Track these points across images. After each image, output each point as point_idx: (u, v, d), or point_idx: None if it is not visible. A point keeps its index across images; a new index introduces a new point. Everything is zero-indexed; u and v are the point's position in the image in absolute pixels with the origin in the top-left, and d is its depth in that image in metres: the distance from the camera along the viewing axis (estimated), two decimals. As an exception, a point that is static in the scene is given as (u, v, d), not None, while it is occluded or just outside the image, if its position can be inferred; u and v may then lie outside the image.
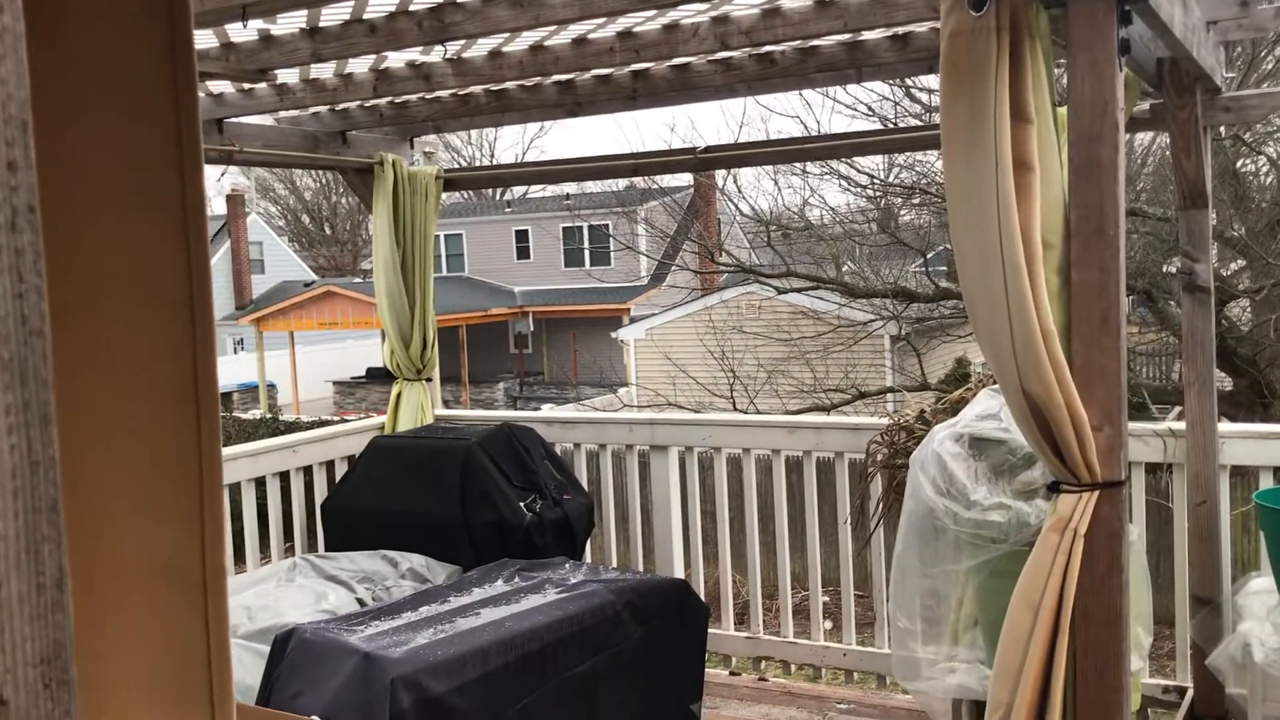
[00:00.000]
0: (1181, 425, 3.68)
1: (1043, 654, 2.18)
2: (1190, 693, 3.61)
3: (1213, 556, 3.58)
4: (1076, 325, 2.09)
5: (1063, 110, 2.26)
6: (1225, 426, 3.69)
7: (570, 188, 28.87)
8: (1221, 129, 7.18)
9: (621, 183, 23.43)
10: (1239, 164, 11.28)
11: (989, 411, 2.66)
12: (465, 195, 31.17)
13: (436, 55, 3.80)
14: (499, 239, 30.56)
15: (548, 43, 3.68)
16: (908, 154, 12.03)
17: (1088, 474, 2.14)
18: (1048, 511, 2.16)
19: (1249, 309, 12.16)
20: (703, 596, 3.76)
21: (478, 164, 35.66)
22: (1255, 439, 3.74)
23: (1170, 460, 3.70)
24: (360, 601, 3.54)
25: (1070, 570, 2.17)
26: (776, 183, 17.51)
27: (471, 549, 3.87)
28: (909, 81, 10.95)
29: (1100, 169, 2.13)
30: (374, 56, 3.72)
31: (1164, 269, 10.75)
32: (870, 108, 12.32)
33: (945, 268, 13.02)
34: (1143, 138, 11.23)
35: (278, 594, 3.56)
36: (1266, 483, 3.58)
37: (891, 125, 11.61)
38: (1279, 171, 11.89)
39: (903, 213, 15.13)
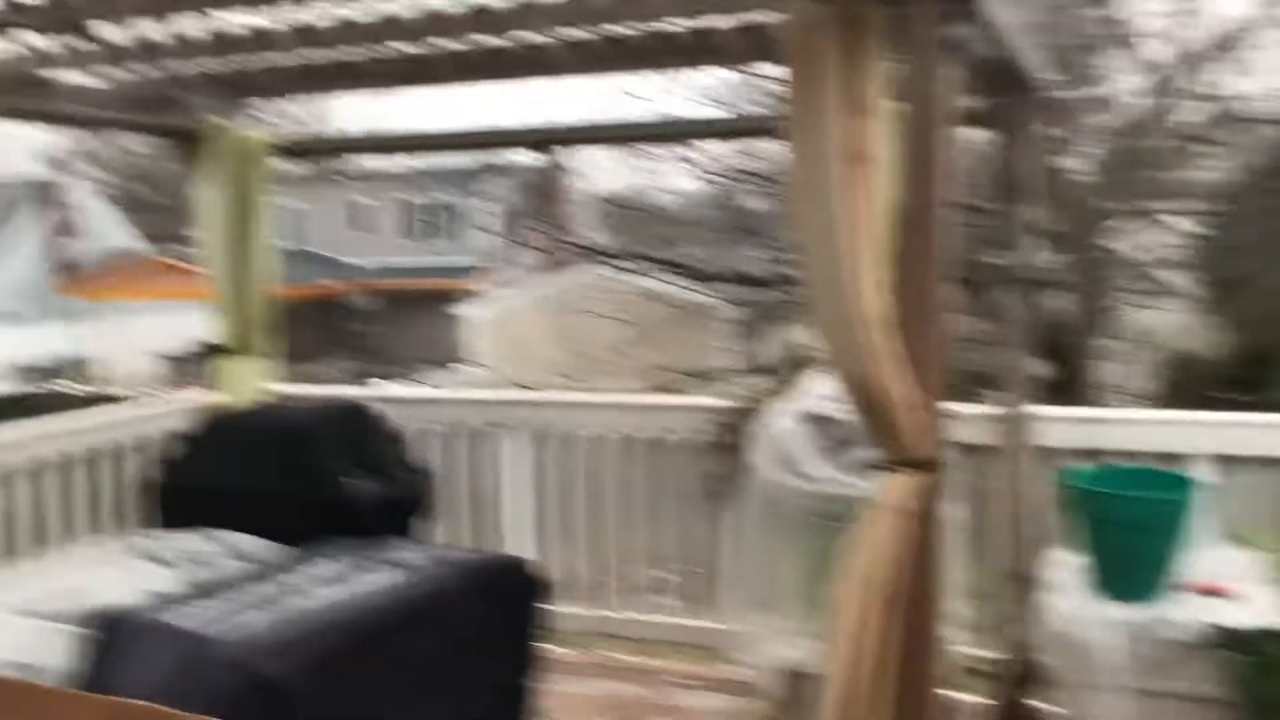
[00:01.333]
0: (1000, 409, 3.87)
1: (869, 626, 2.27)
2: (1004, 661, 3.82)
3: (1025, 533, 3.79)
4: (907, 310, 2.19)
5: (896, 105, 2.35)
6: (1037, 409, 3.90)
7: (415, 162, 28.36)
8: (1044, 128, 7.54)
9: (468, 159, 23.17)
10: (1056, 160, 11.90)
11: (826, 390, 2.76)
12: (304, 165, 30.25)
13: (277, 18, 3.68)
14: (339, 212, 29.80)
15: (397, 13, 3.60)
16: (752, 141, 12.27)
17: (914, 454, 2.24)
18: (876, 489, 2.25)
19: (1065, 298, 12.87)
20: (543, 575, 3.77)
21: (317, 133, 34.61)
22: (1067, 422, 3.99)
23: (989, 442, 3.90)
24: (186, 582, 3.42)
25: (894, 546, 2.27)
26: (626, 165, 17.62)
27: (307, 528, 3.78)
28: (756, 70, 11.16)
29: (930, 163, 2.22)
30: (208, 16, 3.57)
31: (986, 260, 11.25)
32: (715, 95, 12.51)
33: (785, 254, 13.36)
34: (970, 134, 11.71)
35: (97, 574, 3.41)
36: (1075, 463, 3.81)
37: (736, 114, 11.81)
38: (1095, 169, 12.62)
39: (746, 199, 15.43)
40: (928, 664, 2.21)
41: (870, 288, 2.16)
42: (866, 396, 2.22)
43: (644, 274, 14.38)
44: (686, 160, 12.94)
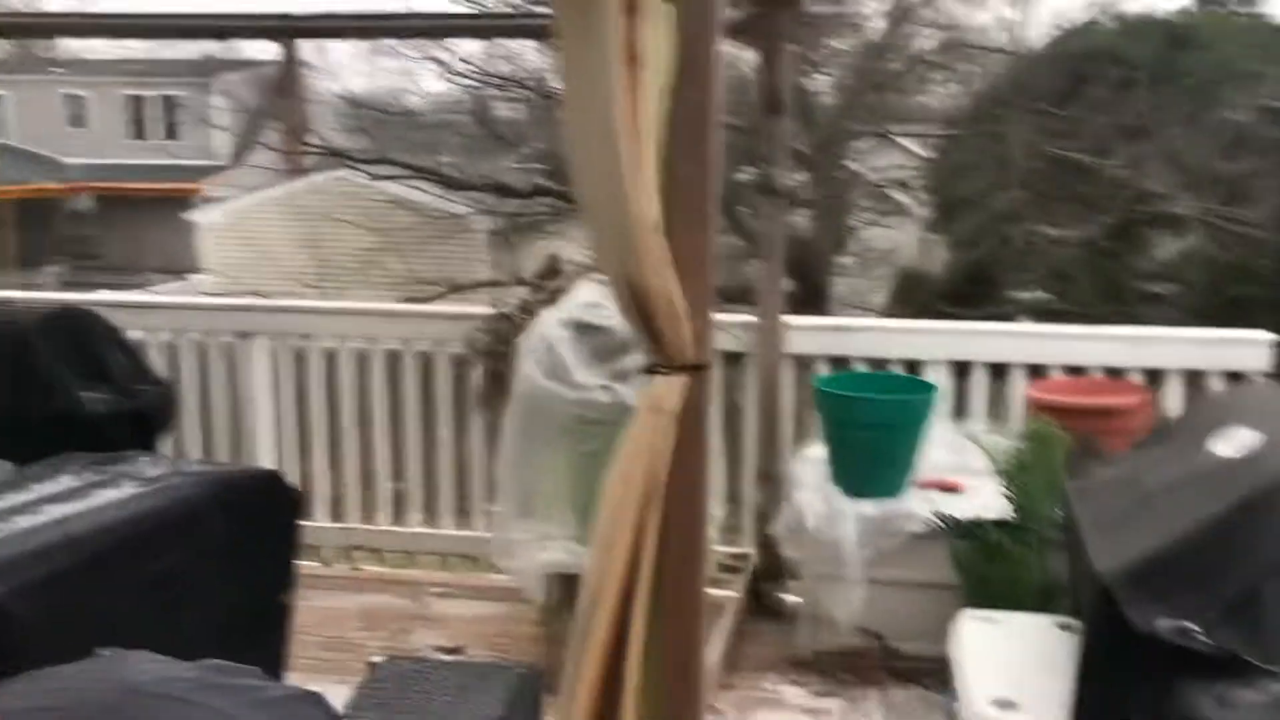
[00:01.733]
0: (754, 319, 4.00)
1: (634, 526, 2.30)
2: (753, 558, 4.00)
3: (776, 436, 3.96)
4: (677, 217, 2.19)
5: (669, 7, 2.32)
6: (791, 320, 4.06)
7: (138, 50, 26.12)
8: (798, 46, 7.77)
9: (196, 49, 21.55)
10: (804, 80, 12.29)
11: (593, 300, 2.76)
12: (6, 49, 27.36)
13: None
14: (49, 104, 27.19)
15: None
16: (505, 45, 11.99)
17: (681, 358, 2.26)
18: (645, 392, 2.27)
19: (808, 216, 13.42)
20: (296, 489, 3.63)
21: (22, 10, 31.34)
22: (815, 331, 4.17)
23: (744, 350, 4.03)
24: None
25: (661, 448, 2.30)
26: (371, 63, 16.85)
27: (31, 444, 3.47)
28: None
29: (701, 69, 2.21)
30: None
31: (737, 176, 11.59)
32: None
33: (540, 164, 13.23)
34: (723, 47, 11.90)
35: None
36: (822, 370, 4.00)
37: (490, 11, 11.50)
38: (836, 91, 13.12)
39: (499, 106, 15.13)
40: (695, 562, 2.27)
41: (644, 194, 2.15)
42: (638, 302, 2.21)
43: (392, 180, 13.91)
44: (436, 60, 12.52)
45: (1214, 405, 2.81)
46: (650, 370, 2.31)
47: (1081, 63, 14.20)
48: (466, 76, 13.26)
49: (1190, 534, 2.06)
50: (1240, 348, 3.78)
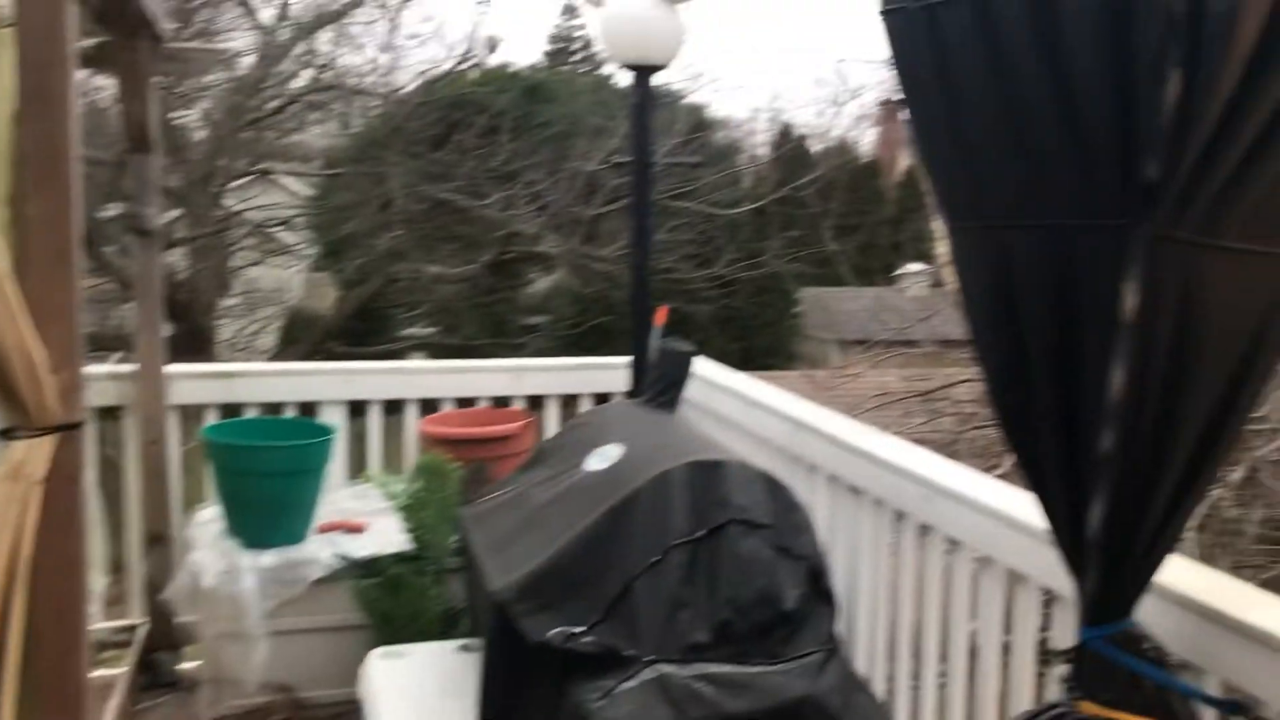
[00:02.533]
0: (132, 368, 3.71)
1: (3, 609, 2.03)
2: (143, 628, 3.69)
3: (164, 494, 3.70)
4: (32, 260, 1.97)
5: (7, 32, 2.09)
6: (174, 368, 3.82)
7: None
8: (164, 78, 7.34)
9: None
10: (174, 115, 11.67)
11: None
12: None
13: None
14: None
15: None
16: None
17: (45, 417, 2.04)
18: (5, 460, 2.01)
19: (185, 257, 12.73)
20: None
21: None
22: (201, 378, 3.97)
23: (121, 403, 3.71)
24: None
25: (27, 519, 2.05)
26: None
27: None
28: None
29: (53, 98, 2.02)
30: None
31: (103, 214, 10.68)
32: None
33: None
34: (85, 80, 10.95)
35: None
36: (212, 419, 3.81)
37: None
38: (210, 126, 12.61)
39: None
40: (75, 646, 2.05)
41: (-13, 235, 1.91)
42: (-11, 358, 1.96)
43: None
44: None
45: (584, 425, 3.12)
46: (7, 435, 2.05)
47: (451, 109, 15.06)
48: None
49: (570, 545, 2.26)
50: (604, 372, 4.23)
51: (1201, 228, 1.41)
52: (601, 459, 2.56)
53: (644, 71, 3.58)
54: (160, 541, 3.69)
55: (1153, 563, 1.59)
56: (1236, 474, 4.30)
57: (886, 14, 1.56)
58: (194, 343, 11.55)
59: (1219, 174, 1.39)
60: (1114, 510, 1.54)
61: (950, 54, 1.45)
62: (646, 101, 3.65)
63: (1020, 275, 1.56)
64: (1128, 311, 1.46)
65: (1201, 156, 1.38)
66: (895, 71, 1.61)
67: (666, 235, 13.89)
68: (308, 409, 3.91)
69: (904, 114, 1.67)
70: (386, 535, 3.40)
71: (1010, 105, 1.43)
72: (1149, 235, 1.41)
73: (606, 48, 3.65)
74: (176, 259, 12.63)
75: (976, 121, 1.49)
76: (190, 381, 3.85)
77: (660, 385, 2.99)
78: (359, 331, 15.15)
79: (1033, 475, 1.67)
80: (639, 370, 3.69)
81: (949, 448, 5.82)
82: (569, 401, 4.21)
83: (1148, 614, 1.65)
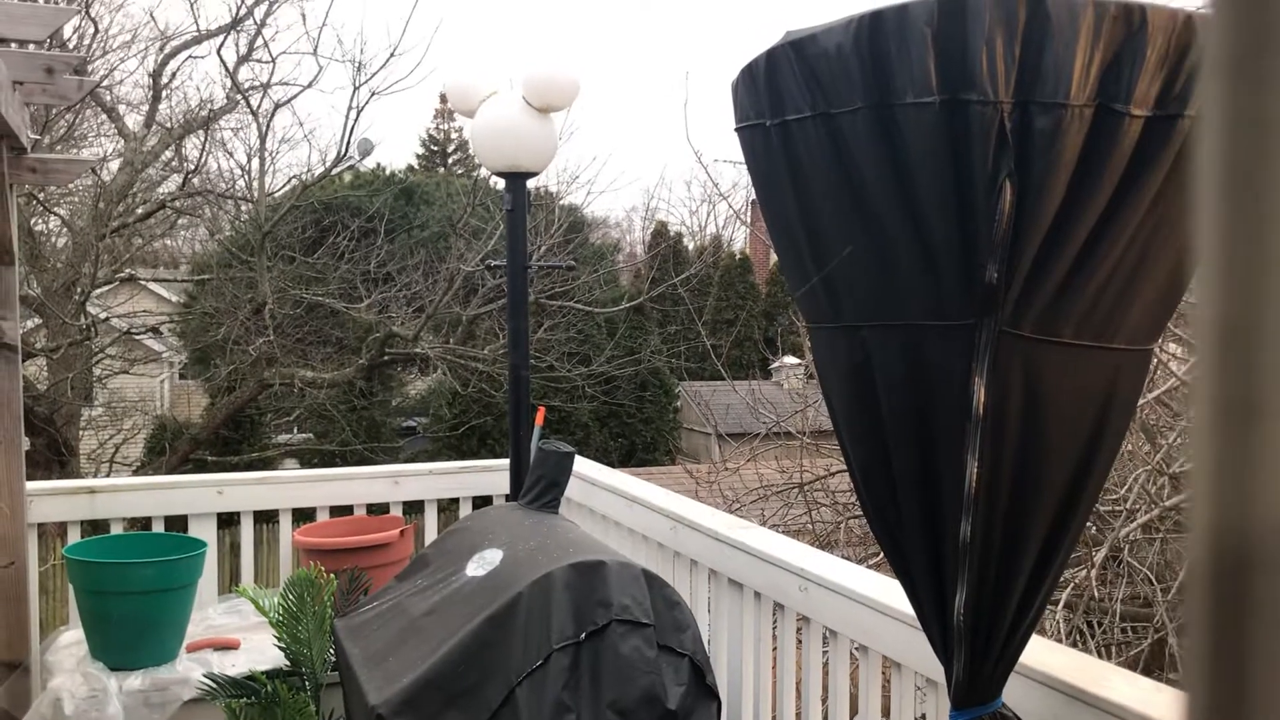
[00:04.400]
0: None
1: None
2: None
3: (23, 618, 3.52)
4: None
5: None
6: (33, 485, 3.67)
7: None
8: (24, 186, 7.15)
9: None
10: (33, 223, 11.34)
11: None
12: None
13: None
14: None
15: None
16: None
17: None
18: None
19: (45, 368, 12.25)
20: None
21: None
22: (61, 495, 3.81)
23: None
24: None
25: None
26: None
27: None
28: None
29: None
30: None
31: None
32: None
33: None
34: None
35: None
36: (74, 536, 3.66)
37: None
38: (72, 233, 12.27)
39: None
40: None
41: None
42: None
43: None
44: None
45: (463, 530, 3.09)
46: None
47: (324, 213, 15.00)
48: None
49: (450, 654, 2.23)
50: (483, 475, 4.21)
51: (1040, 326, 1.51)
52: (481, 564, 2.55)
53: (517, 178, 3.65)
54: (15, 670, 3.50)
55: (1016, 645, 1.66)
56: (1100, 554, 4.48)
57: (742, 130, 1.65)
58: (55, 456, 11.07)
59: (1054, 275, 1.50)
60: (976, 596, 1.61)
61: (803, 169, 1.54)
62: (520, 207, 3.71)
63: (878, 373, 1.64)
64: (979, 406, 1.54)
65: (1037, 260, 1.48)
66: (753, 183, 1.69)
67: (545, 334, 13.96)
68: (176, 523, 3.79)
69: (766, 220, 1.76)
70: (261, 651, 3.29)
71: (861, 217, 1.52)
72: (994, 334, 1.51)
73: (479, 156, 3.72)
74: (36, 370, 12.15)
75: (830, 231, 1.57)
76: (50, 499, 3.70)
77: (540, 487, 3.00)
78: (230, 440, 14.73)
79: (900, 564, 1.73)
80: (519, 472, 3.69)
81: (828, 538, 5.92)
82: (448, 506, 4.17)
83: (1015, 694, 1.71)
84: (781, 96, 1.52)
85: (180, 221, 14.14)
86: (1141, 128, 1.40)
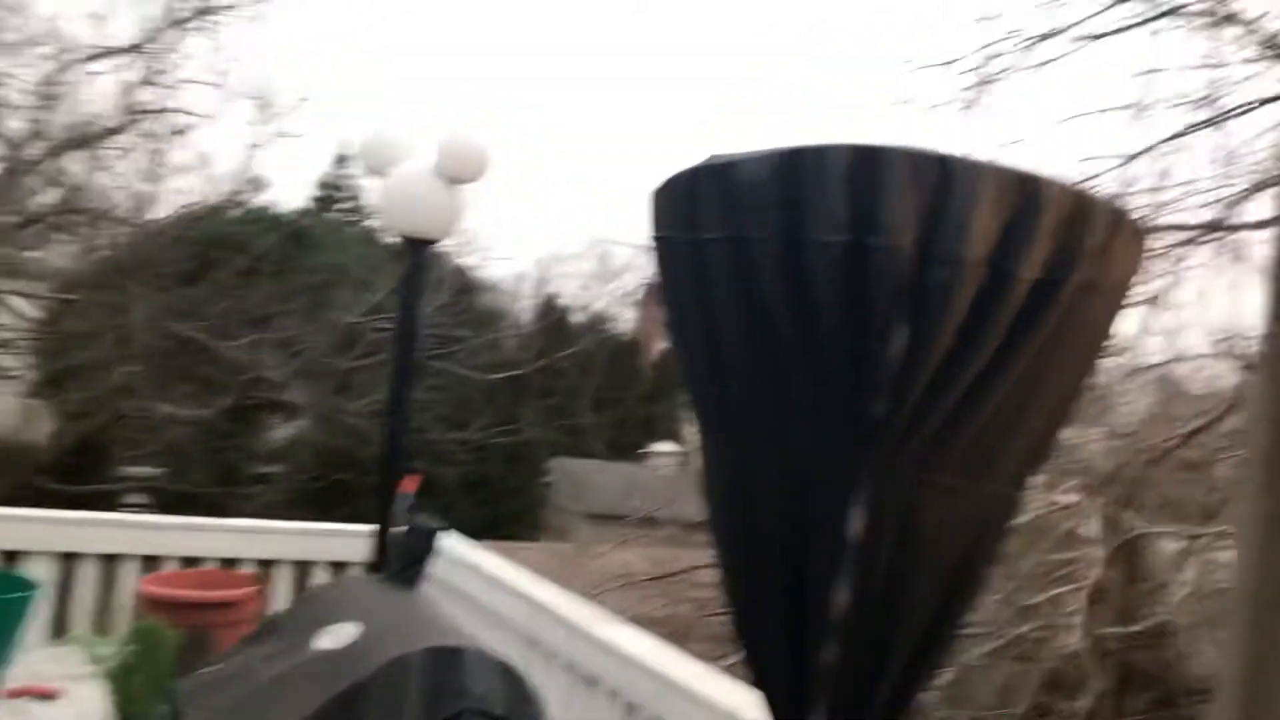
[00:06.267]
0: None
1: None
2: None
3: None
4: None
5: None
6: None
7: None
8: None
9: None
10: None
11: None
12: None
13: None
14: None
15: None
16: None
17: None
18: None
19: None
20: None
21: None
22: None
23: None
24: None
25: None
26: None
27: None
28: None
29: None
30: None
31: None
32: None
33: None
34: None
35: None
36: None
37: None
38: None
39: None
40: None
41: None
42: None
43: None
44: None
45: (318, 598, 3.00)
46: None
47: (209, 246, 14.61)
48: None
49: (295, 731, 2.15)
50: (343, 539, 4.11)
51: (920, 464, 1.57)
52: (334, 638, 2.47)
53: (420, 244, 3.63)
54: None
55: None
56: (948, 677, 4.58)
57: (657, 240, 1.68)
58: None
59: (937, 417, 1.55)
60: (833, 715, 1.63)
61: (711, 286, 1.58)
62: (418, 272, 3.69)
63: (759, 486, 1.67)
64: (853, 532, 1.58)
65: (922, 400, 1.54)
66: (662, 290, 1.73)
67: (422, 395, 13.77)
68: (11, 557, 3.59)
69: (667, 324, 1.78)
70: (86, 704, 3.12)
71: (761, 339, 1.56)
72: (875, 465, 1.55)
73: (385, 217, 3.69)
74: None
75: (729, 348, 1.61)
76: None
77: (403, 561, 2.94)
78: (75, 467, 14.04)
79: (759, 675, 1.74)
80: (383, 540, 3.61)
81: (684, 633, 5.91)
82: (303, 567, 4.04)
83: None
84: (699, 215, 1.57)
85: (54, 236, 13.59)
86: (1028, 290, 1.48)
